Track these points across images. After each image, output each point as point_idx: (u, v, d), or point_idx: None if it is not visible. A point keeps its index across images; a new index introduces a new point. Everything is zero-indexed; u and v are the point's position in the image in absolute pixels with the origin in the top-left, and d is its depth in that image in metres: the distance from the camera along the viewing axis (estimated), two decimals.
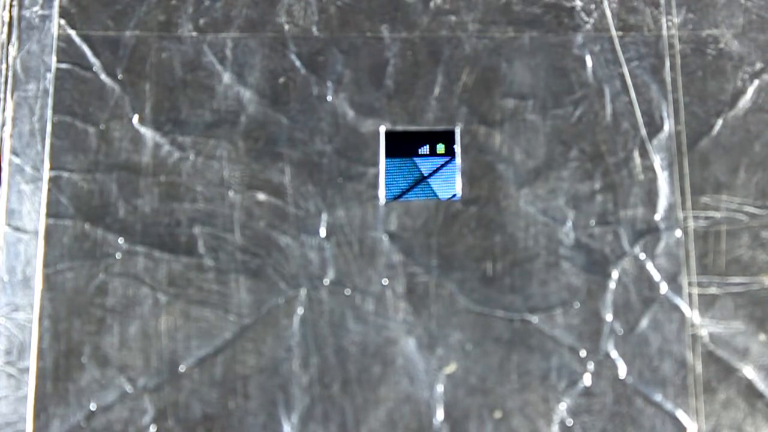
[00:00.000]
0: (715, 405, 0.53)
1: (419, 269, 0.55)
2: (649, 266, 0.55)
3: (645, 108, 0.57)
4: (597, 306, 0.54)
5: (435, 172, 0.57)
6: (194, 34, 0.58)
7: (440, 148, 0.57)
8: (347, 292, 0.55)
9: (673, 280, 0.55)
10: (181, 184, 0.56)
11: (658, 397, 0.53)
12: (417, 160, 0.57)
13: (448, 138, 0.57)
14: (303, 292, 0.54)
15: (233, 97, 0.57)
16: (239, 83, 0.57)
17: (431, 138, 0.57)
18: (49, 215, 0.55)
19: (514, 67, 0.57)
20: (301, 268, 0.55)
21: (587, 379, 0.54)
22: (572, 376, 0.54)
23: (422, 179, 0.56)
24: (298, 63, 0.57)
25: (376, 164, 0.56)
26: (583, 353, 0.54)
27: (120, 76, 0.57)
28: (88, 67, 0.57)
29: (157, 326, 0.54)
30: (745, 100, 0.57)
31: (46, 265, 0.54)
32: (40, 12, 0.58)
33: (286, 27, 0.58)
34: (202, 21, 0.58)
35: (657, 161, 0.56)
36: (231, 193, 0.56)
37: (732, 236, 0.55)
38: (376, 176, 0.56)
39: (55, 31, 0.58)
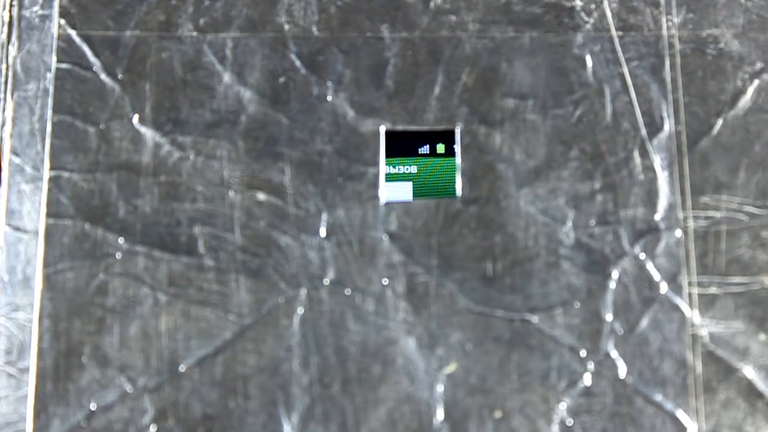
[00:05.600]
0: (715, 405, 0.53)
1: (419, 269, 0.55)
2: (649, 266, 0.55)
3: (645, 108, 0.57)
4: (597, 306, 0.54)
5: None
6: (194, 34, 0.58)
7: (440, 148, 0.57)
8: (347, 292, 0.55)
9: (673, 280, 0.55)
10: (181, 184, 0.56)
11: (658, 397, 0.53)
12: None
13: (448, 138, 0.57)
14: (303, 292, 0.54)
15: (233, 97, 0.57)
16: (239, 83, 0.57)
17: (431, 138, 0.57)
18: (49, 215, 0.55)
19: (514, 67, 0.57)
20: (301, 268, 0.55)
21: (587, 379, 0.54)
22: (572, 376, 0.54)
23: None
24: (298, 63, 0.57)
25: (376, 164, 0.56)
26: (583, 353, 0.54)
27: (120, 76, 0.57)
28: (88, 67, 0.57)
29: (157, 326, 0.54)
30: (745, 100, 0.57)
31: (46, 265, 0.54)
32: (40, 12, 0.58)
33: (286, 27, 0.58)
34: (202, 21, 0.58)
35: (657, 161, 0.56)
36: (231, 193, 0.56)
37: (732, 236, 0.55)
38: (376, 176, 0.56)
39: (55, 31, 0.58)
